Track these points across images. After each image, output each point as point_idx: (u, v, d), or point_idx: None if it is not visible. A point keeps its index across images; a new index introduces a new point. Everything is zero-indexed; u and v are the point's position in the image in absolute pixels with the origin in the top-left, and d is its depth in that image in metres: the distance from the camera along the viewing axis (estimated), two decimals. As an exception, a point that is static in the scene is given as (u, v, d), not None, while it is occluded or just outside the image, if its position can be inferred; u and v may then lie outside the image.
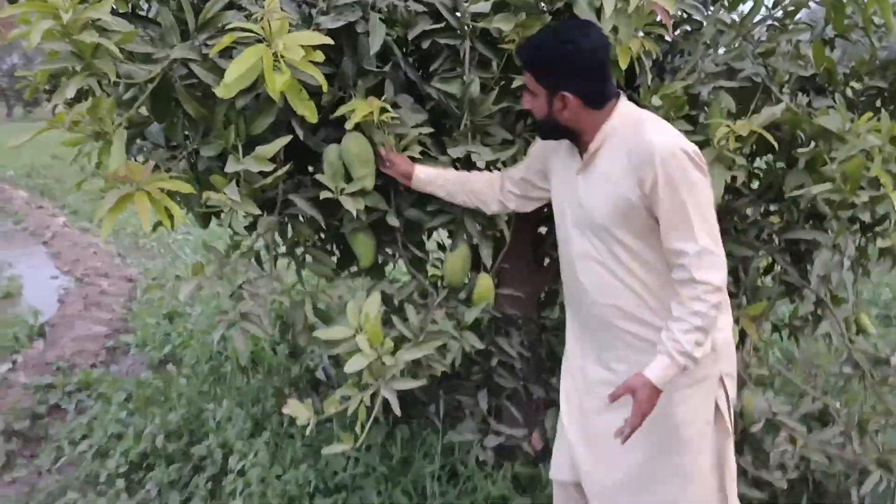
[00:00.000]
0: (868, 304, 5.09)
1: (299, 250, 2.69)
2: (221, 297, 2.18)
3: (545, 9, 2.19)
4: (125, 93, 2.38)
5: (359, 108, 2.12)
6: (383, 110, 2.16)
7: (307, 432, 2.03)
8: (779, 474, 2.49)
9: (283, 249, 2.61)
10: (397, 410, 2.07)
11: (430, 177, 2.27)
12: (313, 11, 2.12)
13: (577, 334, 2.16)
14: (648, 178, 1.82)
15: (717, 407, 2.03)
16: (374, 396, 2.14)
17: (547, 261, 3.04)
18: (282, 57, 1.83)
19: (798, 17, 2.80)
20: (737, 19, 2.65)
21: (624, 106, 1.93)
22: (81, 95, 2.36)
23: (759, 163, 2.80)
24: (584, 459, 2.11)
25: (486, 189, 2.28)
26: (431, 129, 2.34)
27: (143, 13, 2.56)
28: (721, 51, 2.58)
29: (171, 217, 2.02)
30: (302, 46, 1.87)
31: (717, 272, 1.83)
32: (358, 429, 2.14)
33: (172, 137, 2.30)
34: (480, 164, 2.37)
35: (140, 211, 1.90)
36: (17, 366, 4.41)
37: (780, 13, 2.62)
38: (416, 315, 2.32)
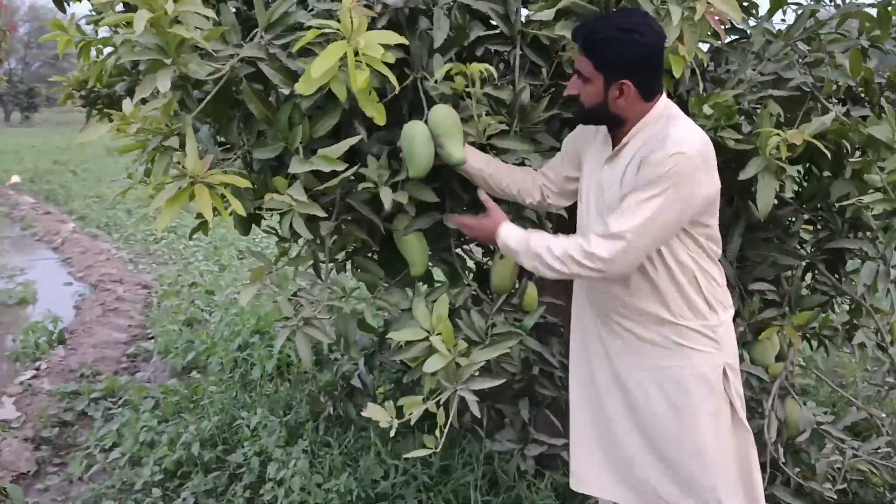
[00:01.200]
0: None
1: (340, 256, 2.68)
2: (280, 303, 2.17)
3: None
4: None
5: (465, 69, 2.12)
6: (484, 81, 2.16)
7: (391, 432, 2.00)
8: (828, 485, 2.49)
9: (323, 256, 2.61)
10: (476, 412, 2.06)
11: (482, 161, 2.25)
12: (376, 5, 2.13)
13: (582, 336, 2.20)
14: (647, 161, 1.84)
15: (730, 404, 2.02)
16: (447, 401, 2.12)
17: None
18: (361, 55, 1.84)
19: (829, 27, 2.83)
20: (782, 28, 2.68)
21: (664, 102, 1.95)
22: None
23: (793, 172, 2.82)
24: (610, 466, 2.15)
25: (528, 177, 2.28)
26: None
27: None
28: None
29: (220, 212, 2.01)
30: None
31: (613, 258, 1.84)
32: (437, 433, 2.11)
33: (226, 138, 2.30)
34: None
35: (202, 203, 1.88)
36: (40, 372, 4.38)
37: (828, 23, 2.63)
38: (481, 318, 2.32)
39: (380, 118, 2.02)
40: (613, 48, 1.85)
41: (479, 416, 2.14)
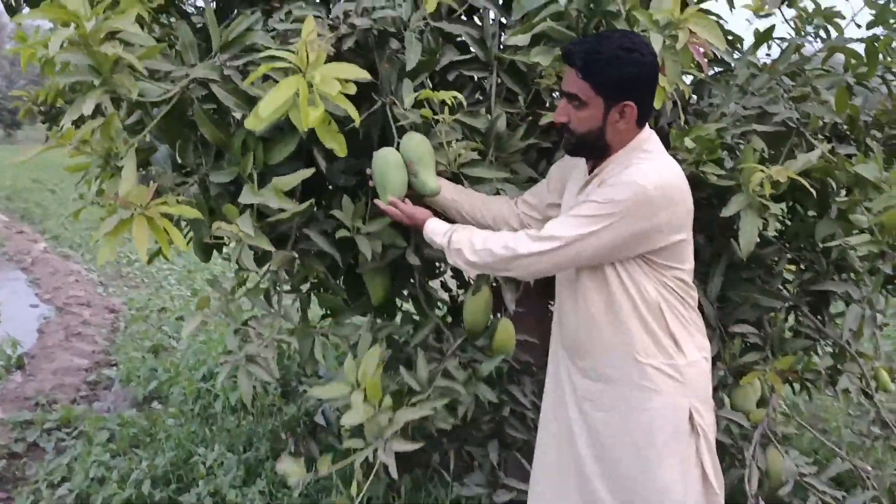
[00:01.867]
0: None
1: (305, 286, 2.56)
2: (226, 336, 2.04)
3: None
4: (128, 116, 2.27)
5: (433, 95, 2.02)
6: (453, 107, 2.05)
7: (297, 492, 1.88)
8: (812, 540, 2.36)
9: (286, 287, 2.48)
10: (394, 473, 1.95)
11: (454, 191, 2.15)
12: (342, 25, 2.02)
13: (555, 374, 2.07)
14: (605, 183, 1.77)
15: (696, 450, 1.88)
16: (375, 451, 2.00)
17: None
18: (317, 89, 1.72)
19: (814, 63, 2.76)
20: (766, 61, 2.59)
21: (646, 132, 1.86)
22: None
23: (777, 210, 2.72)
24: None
25: (503, 205, 2.17)
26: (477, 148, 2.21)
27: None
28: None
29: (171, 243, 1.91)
30: (337, 79, 1.75)
31: (528, 255, 1.80)
32: (354, 489, 1.99)
33: (183, 161, 2.17)
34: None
35: (137, 238, 1.78)
36: (-7, 399, 4.20)
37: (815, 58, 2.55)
38: (427, 365, 2.19)
39: (340, 150, 1.90)
40: (618, 69, 1.74)
41: (395, 478, 2.00)
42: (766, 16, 3.16)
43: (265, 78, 1.91)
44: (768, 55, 3.06)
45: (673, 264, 1.82)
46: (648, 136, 1.84)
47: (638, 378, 1.83)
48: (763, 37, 2.71)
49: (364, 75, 1.82)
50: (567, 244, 1.77)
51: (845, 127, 2.71)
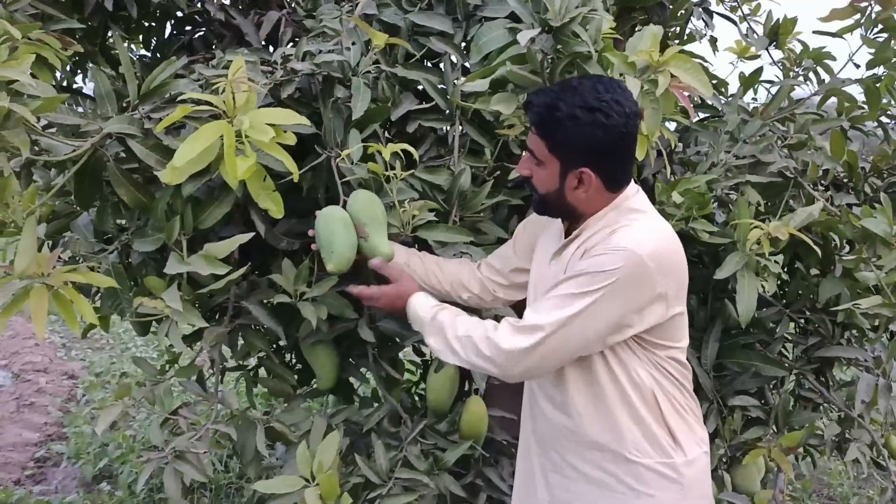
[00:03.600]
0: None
1: (251, 362, 2.28)
2: (152, 427, 1.76)
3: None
4: (56, 177, 2.01)
5: (380, 148, 1.79)
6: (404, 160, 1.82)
7: None
8: None
9: (230, 363, 2.20)
10: None
11: (405, 255, 1.90)
12: (279, 70, 1.78)
13: (524, 474, 1.80)
14: (589, 253, 1.52)
15: None
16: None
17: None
18: (246, 137, 1.47)
19: (808, 106, 2.56)
20: (758, 106, 2.39)
21: (632, 189, 1.60)
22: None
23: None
24: None
25: (462, 269, 1.91)
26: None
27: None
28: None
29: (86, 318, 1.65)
30: (271, 126, 1.50)
31: (515, 354, 1.51)
32: None
33: (102, 226, 1.91)
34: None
35: (33, 312, 1.51)
36: (-73, 483, 3.84)
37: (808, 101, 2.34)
38: (386, 453, 1.90)
39: (276, 210, 1.65)
40: (572, 131, 1.48)
41: None
42: (753, 58, 2.98)
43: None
44: (754, 100, 2.86)
45: (668, 343, 1.56)
46: (635, 192, 1.59)
47: (629, 479, 1.55)
48: (750, 80, 2.51)
49: (302, 121, 1.58)
50: (555, 331, 1.48)
51: (842, 175, 2.50)
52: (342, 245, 1.76)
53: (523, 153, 1.62)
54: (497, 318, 1.67)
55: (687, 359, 1.65)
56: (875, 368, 2.33)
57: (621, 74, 1.68)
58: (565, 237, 1.63)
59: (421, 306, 1.71)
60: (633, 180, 1.60)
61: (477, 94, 1.84)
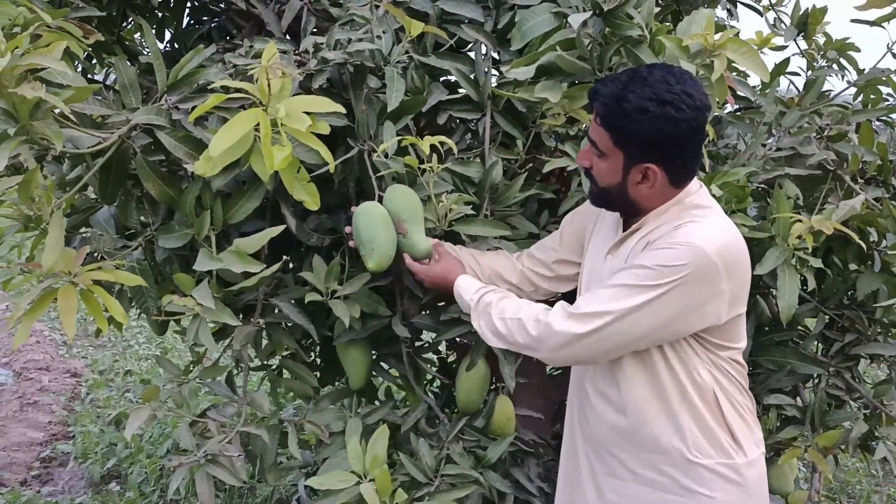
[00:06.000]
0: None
1: (274, 362, 2.22)
2: (181, 430, 1.70)
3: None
4: (71, 170, 1.94)
5: (418, 141, 1.72)
6: (441, 152, 1.75)
7: None
8: None
9: (253, 363, 2.14)
10: None
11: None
12: (311, 60, 1.71)
13: (570, 473, 1.75)
14: (654, 246, 1.47)
15: None
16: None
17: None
18: (282, 126, 1.41)
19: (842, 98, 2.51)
20: (793, 97, 2.33)
21: (695, 185, 1.55)
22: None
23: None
24: None
25: (502, 260, 1.85)
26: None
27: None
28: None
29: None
30: (308, 114, 1.44)
31: (566, 335, 1.47)
32: None
33: (125, 222, 1.84)
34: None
35: (63, 312, 1.46)
36: (-69, 484, 3.77)
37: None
38: (430, 452, 1.85)
39: (312, 202, 1.59)
40: (641, 124, 1.41)
41: None
42: (777, 49, 2.92)
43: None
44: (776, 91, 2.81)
45: (729, 343, 1.51)
46: (698, 188, 1.53)
47: (687, 481, 1.50)
48: (778, 70, 2.46)
49: (338, 108, 1.51)
50: (610, 322, 1.43)
51: (867, 168, 2.45)
52: (384, 243, 1.70)
53: (582, 143, 1.56)
54: (550, 304, 1.61)
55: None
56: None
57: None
58: (623, 230, 1.57)
59: (466, 289, 1.68)
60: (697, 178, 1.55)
61: (515, 82, 1.77)
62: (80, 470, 4.00)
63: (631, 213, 1.55)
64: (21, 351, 6.23)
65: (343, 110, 1.57)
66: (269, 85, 1.44)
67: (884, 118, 2.58)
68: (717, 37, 1.62)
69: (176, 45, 2.37)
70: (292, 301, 1.89)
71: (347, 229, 1.76)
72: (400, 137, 1.75)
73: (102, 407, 4.82)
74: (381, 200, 1.76)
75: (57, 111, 1.49)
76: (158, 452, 3.80)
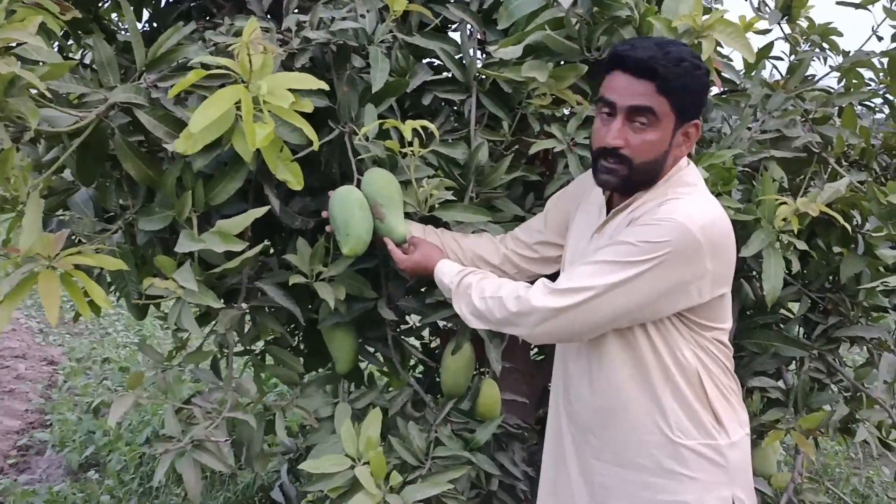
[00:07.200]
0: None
1: (258, 345, 2.19)
2: (167, 416, 1.66)
3: (592, 56, 1.75)
4: (47, 152, 1.90)
5: (398, 125, 1.70)
6: (423, 136, 1.72)
7: None
8: None
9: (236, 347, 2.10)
10: None
11: (422, 233, 1.82)
12: (294, 39, 1.68)
13: (555, 456, 1.74)
14: (637, 222, 1.47)
15: None
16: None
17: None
18: (264, 103, 1.38)
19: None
20: (778, 80, 2.33)
21: (684, 162, 1.55)
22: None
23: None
24: None
25: (482, 242, 1.84)
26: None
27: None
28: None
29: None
30: (290, 91, 1.41)
31: (546, 311, 1.46)
32: None
33: (104, 204, 1.80)
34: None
35: (44, 297, 1.42)
36: None
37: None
38: (420, 435, 1.84)
39: (296, 181, 1.56)
40: (697, 79, 1.44)
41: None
42: (761, 33, 2.92)
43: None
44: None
45: (714, 323, 1.50)
46: (687, 165, 1.53)
47: (670, 462, 1.49)
48: (762, 53, 2.46)
49: (322, 85, 1.49)
50: (591, 297, 1.42)
51: (852, 151, 2.45)
52: (358, 227, 1.68)
53: (608, 122, 1.48)
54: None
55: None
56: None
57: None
58: (607, 211, 1.56)
59: (445, 273, 1.67)
60: None
61: (502, 62, 1.75)
62: (57, 458, 3.96)
63: (630, 191, 1.53)
64: (-4, 339, 6.14)
65: (327, 87, 1.54)
66: (250, 61, 1.40)
67: (866, 103, 2.59)
68: (704, 18, 1.61)
69: (155, 25, 2.32)
70: (277, 284, 1.86)
71: (324, 214, 1.74)
72: (382, 121, 1.72)
73: (80, 395, 4.76)
74: (359, 184, 1.73)
75: (34, 90, 1.46)
76: (138, 440, 3.77)
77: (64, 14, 1.69)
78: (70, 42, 2.25)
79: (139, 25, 2.44)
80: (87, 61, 2.33)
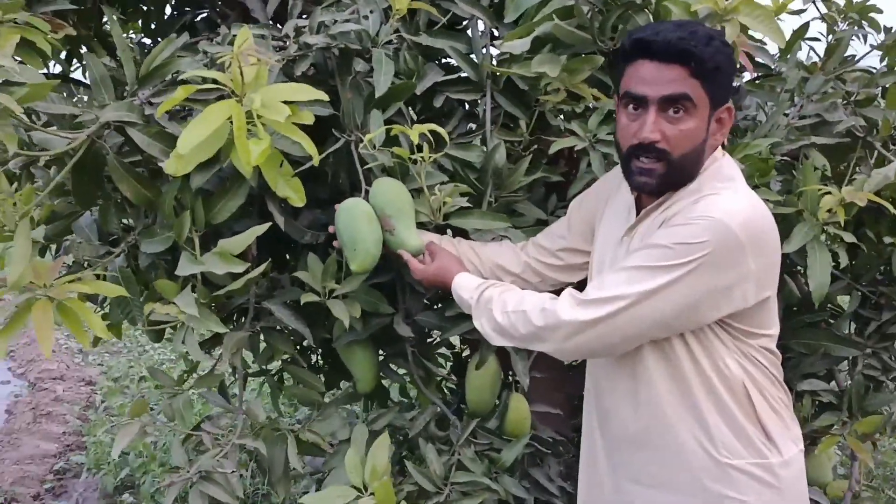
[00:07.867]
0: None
1: (274, 366, 2.11)
2: (173, 446, 1.59)
3: (606, 47, 1.63)
4: (57, 174, 1.84)
5: (405, 130, 1.59)
6: (432, 141, 1.61)
7: None
8: None
9: (252, 368, 2.03)
10: None
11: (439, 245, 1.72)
12: (292, 45, 1.59)
13: (589, 474, 1.62)
14: (671, 223, 1.34)
15: None
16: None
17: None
18: (258, 118, 1.29)
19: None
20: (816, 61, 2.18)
21: (719, 152, 1.42)
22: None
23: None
24: None
25: (502, 250, 1.73)
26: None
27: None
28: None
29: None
30: (286, 104, 1.32)
31: (575, 324, 1.34)
32: None
33: (106, 227, 1.73)
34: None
35: (38, 328, 1.35)
36: (-57, 502, 3.71)
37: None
38: (439, 458, 1.73)
39: (297, 198, 1.47)
40: (727, 60, 1.34)
41: None
42: (797, 13, 2.77)
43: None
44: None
45: (759, 330, 1.37)
46: (722, 156, 1.40)
47: (716, 486, 1.36)
48: (798, 34, 2.31)
49: (320, 96, 1.39)
50: (623, 308, 1.30)
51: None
52: (367, 242, 1.58)
53: (640, 115, 1.35)
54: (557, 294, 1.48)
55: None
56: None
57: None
58: (637, 213, 1.44)
59: (464, 287, 1.56)
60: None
61: (512, 58, 1.64)
62: (93, 481, 3.94)
63: (667, 189, 1.40)
64: (35, 361, 6.19)
65: (326, 98, 1.45)
66: (241, 74, 1.32)
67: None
68: (728, 0, 1.49)
69: (159, 39, 2.25)
70: (288, 303, 1.78)
71: (331, 229, 1.65)
72: (389, 126, 1.62)
73: (116, 415, 4.75)
74: (367, 196, 1.64)
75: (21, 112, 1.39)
76: (171, 461, 3.72)
77: (57, 32, 1.63)
78: (74, 60, 2.20)
79: (147, 41, 2.40)
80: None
